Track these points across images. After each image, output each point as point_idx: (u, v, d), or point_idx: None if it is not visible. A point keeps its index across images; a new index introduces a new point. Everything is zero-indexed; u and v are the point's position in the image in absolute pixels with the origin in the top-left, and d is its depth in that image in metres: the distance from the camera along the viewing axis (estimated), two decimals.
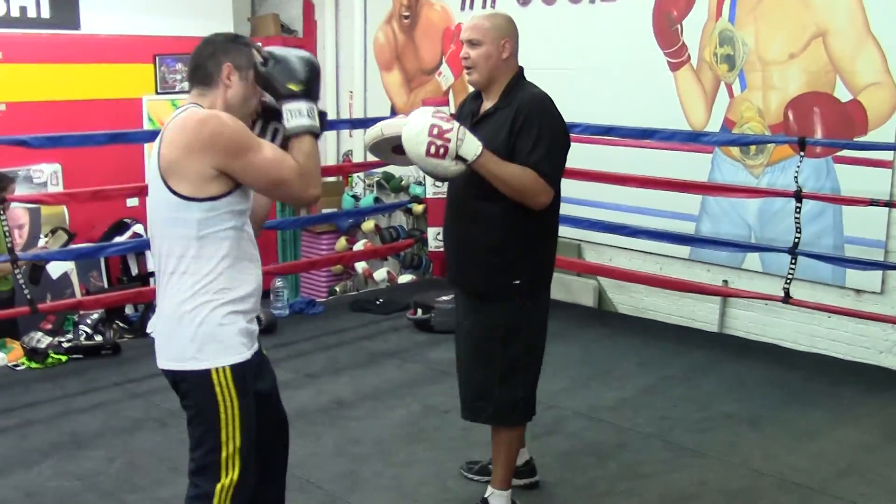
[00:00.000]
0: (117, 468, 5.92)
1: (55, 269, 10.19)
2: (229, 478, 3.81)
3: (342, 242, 11.91)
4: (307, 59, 3.82)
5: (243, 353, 3.83)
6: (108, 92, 11.17)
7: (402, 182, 11.74)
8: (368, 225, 11.84)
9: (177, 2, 11.64)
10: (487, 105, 4.97)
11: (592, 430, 6.53)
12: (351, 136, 12.80)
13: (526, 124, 4.74)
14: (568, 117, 8.74)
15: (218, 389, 3.76)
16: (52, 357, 7.83)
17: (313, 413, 6.79)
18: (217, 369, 3.76)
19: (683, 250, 9.03)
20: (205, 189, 3.66)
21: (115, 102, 11.19)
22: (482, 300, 4.99)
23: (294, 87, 3.74)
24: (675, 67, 9.00)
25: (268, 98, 3.95)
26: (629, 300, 9.64)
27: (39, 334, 7.97)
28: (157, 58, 11.65)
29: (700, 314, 9.06)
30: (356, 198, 12.28)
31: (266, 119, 4.03)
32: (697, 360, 8.05)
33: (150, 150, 3.88)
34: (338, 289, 11.91)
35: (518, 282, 4.89)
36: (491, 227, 4.86)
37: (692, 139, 8.61)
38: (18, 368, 7.76)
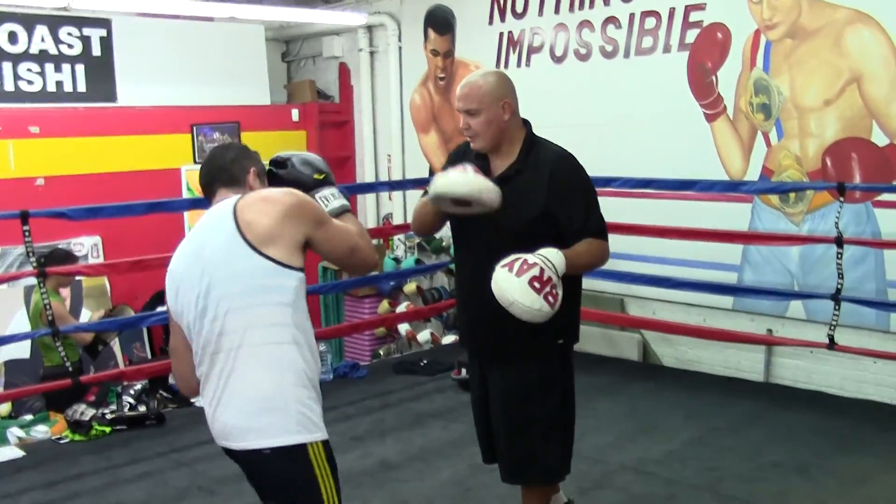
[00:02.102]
0: None
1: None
2: None
3: (385, 305, 11.92)
4: (317, 156, 4.23)
5: (325, 430, 3.83)
6: (147, 163, 11.26)
7: (443, 243, 11.74)
8: (410, 287, 11.85)
9: (213, 71, 11.75)
10: (501, 165, 4.77)
11: (641, 484, 6.46)
12: (390, 198, 12.85)
13: (569, 191, 4.60)
14: (606, 171, 8.81)
15: (315, 462, 3.74)
16: (96, 429, 7.84)
17: (360, 476, 6.75)
18: (312, 445, 3.73)
19: (726, 301, 8.98)
20: (295, 259, 3.72)
21: (153, 173, 11.28)
22: (515, 362, 4.79)
23: (318, 177, 4.09)
24: (711, 118, 8.99)
25: None
26: (674, 352, 9.59)
27: (83, 406, 7.98)
28: (194, 127, 11.74)
29: (745, 364, 9.00)
30: (397, 260, 12.31)
31: None
32: (744, 411, 7.97)
33: (203, 228, 3.89)
34: (381, 351, 11.90)
35: (561, 341, 4.76)
36: None
37: (731, 189, 8.57)
38: (62, 441, 7.77)
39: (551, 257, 4.36)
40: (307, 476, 3.72)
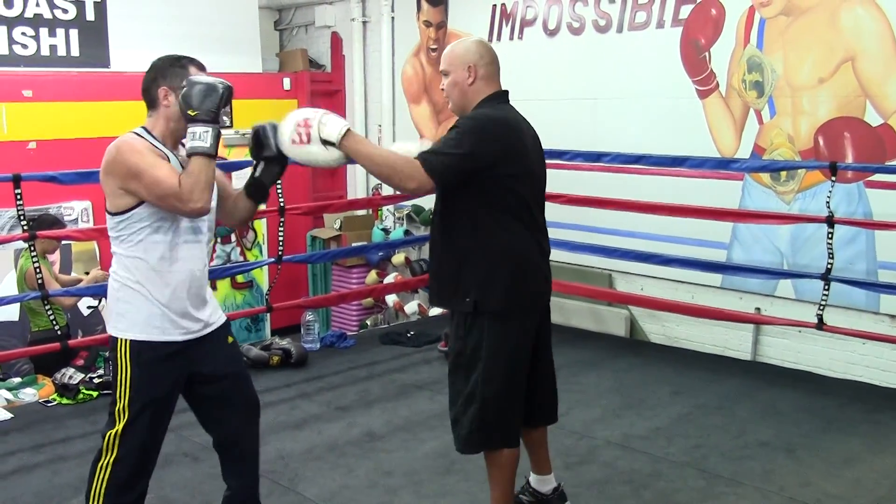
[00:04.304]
0: (149, 503, 5.89)
1: (85, 304, 10.24)
2: (116, 428, 4.50)
3: (373, 276, 11.91)
4: (210, 86, 4.28)
5: (151, 335, 4.45)
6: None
7: (432, 214, 11.70)
8: (399, 258, 11.85)
9: (205, 39, 11.68)
10: None
11: (626, 459, 6.46)
12: None
13: (448, 131, 4.70)
14: (597, 147, 8.79)
15: (118, 354, 4.43)
16: (84, 393, 7.82)
17: (345, 446, 6.74)
18: (120, 339, 4.44)
19: (715, 278, 8.98)
20: (117, 204, 4.40)
21: None
22: (453, 322, 4.99)
23: (191, 113, 4.25)
24: (703, 95, 8.97)
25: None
26: (661, 329, 9.60)
27: (71, 370, 7.97)
28: None
29: (733, 342, 9.01)
30: (386, 231, 12.30)
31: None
32: (731, 389, 7.97)
33: None
34: (369, 322, 11.92)
35: (468, 299, 4.79)
36: (445, 245, 4.93)
37: (722, 166, 8.55)
38: (50, 405, 7.76)
39: (331, 119, 4.56)
40: (114, 361, 4.48)
